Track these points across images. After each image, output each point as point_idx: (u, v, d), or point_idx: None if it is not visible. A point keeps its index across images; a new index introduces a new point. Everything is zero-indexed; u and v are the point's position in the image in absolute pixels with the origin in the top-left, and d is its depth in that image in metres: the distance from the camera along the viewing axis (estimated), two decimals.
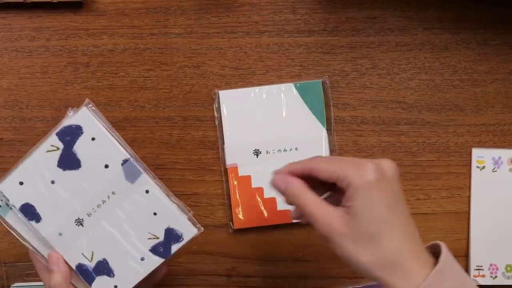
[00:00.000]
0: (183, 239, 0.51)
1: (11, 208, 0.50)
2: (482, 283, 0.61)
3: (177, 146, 0.62)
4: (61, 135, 0.50)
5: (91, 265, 0.51)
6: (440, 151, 0.62)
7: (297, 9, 0.62)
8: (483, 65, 0.62)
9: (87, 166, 0.50)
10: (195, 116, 0.61)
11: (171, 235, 0.51)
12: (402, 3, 0.62)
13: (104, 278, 0.51)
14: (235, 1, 0.62)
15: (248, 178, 0.61)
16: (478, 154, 0.62)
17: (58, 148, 0.50)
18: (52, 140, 0.50)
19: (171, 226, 0.51)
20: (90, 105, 0.50)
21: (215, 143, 0.62)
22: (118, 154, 0.50)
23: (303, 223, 0.49)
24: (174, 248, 0.51)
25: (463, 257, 0.62)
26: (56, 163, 0.50)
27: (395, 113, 0.62)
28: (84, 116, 0.50)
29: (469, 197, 0.62)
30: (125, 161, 0.50)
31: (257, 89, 0.61)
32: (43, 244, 0.51)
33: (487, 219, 0.61)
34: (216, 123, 0.61)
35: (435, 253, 0.46)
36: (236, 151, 0.61)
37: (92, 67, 0.62)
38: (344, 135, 0.62)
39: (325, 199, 0.48)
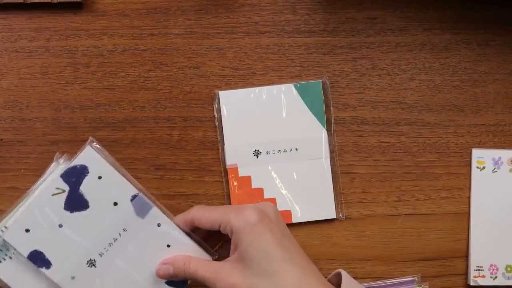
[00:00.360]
0: None
1: (3, 259, 0.49)
2: (482, 284, 0.61)
3: (177, 147, 0.62)
4: (66, 177, 0.49)
5: None
6: (440, 152, 0.62)
7: (297, 10, 0.62)
8: (483, 65, 0.62)
9: (96, 206, 0.49)
10: (195, 117, 0.61)
11: None
12: (402, 3, 0.62)
13: None
14: (235, 2, 0.62)
15: (248, 179, 0.61)
16: (478, 155, 0.62)
17: (64, 191, 0.49)
18: (57, 183, 0.49)
19: None
20: (94, 143, 0.50)
21: (215, 144, 0.62)
22: (127, 190, 0.50)
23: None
24: None
25: (463, 257, 0.62)
26: (63, 205, 0.49)
27: (395, 114, 0.62)
28: (90, 155, 0.49)
29: (469, 197, 0.62)
30: (134, 197, 0.50)
31: (257, 89, 0.61)
32: None
33: (487, 220, 0.61)
34: (216, 123, 0.61)
35: (339, 282, 0.45)
36: (236, 151, 0.61)
37: (92, 68, 0.62)
38: (344, 136, 0.62)
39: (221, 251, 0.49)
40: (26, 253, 0.48)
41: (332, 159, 0.61)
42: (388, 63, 0.62)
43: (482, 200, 0.61)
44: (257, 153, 0.61)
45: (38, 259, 0.49)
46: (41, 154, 0.62)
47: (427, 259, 0.62)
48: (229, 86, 0.62)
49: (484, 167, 0.62)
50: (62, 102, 0.62)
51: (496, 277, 0.61)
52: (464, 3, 0.62)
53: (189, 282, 0.51)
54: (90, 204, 0.49)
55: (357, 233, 0.61)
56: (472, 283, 0.61)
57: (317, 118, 0.61)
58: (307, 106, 0.61)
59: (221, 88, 0.61)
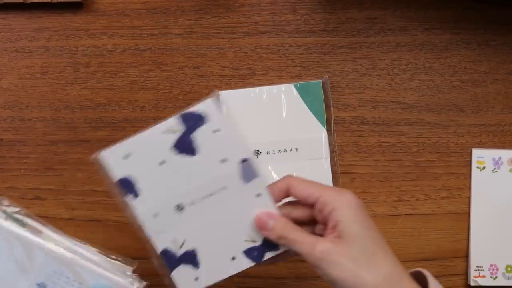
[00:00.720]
0: (278, 249, 0.49)
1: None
2: (482, 284, 0.60)
3: None
4: (183, 119, 0.48)
5: (178, 252, 0.49)
6: (440, 152, 0.62)
7: (297, 10, 0.62)
8: (483, 65, 0.62)
9: (203, 156, 0.48)
10: None
11: (269, 243, 0.49)
12: (402, 3, 0.62)
13: (188, 267, 0.49)
14: (235, 2, 0.62)
15: None
16: (478, 155, 0.62)
17: (176, 131, 0.48)
18: (172, 122, 0.48)
19: None
20: (219, 98, 0.49)
21: None
22: (239, 151, 0.48)
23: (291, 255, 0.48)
24: (268, 255, 0.49)
25: (463, 257, 0.62)
26: (171, 144, 0.47)
27: (395, 114, 0.62)
28: (211, 107, 0.48)
29: (469, 197, 0.62)
30: (244, 160, 0.48)
31: (257, 89, 0.61)
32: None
33: (487, 220, 0.61)
34: None
35: (417, 279, 0.45)
36: None
37: (92, 68, 0.62)
38: (344, 136, 0.62)
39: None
40: (118, 177, 0.47)
41: (332, 159, 0.61)
42: (388, 63, 0.62)
43: (482, 200, 0.61)
44: (257, 153, 0.61)
45: (128, 186, 0.47)
46: (41, 154, 0.62)
47: (427, 259, 0.62)
48: (229, 86, 0.62)
49: (484, 167, 0.62)
50: (62, 102, 0.62)
51: (496, 277, 0.61)
52: (464, 3, 0.62)
53: (264, 259, 0.50)
54: (198, 153, 0.48)
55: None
56: (472, 283, 0.61)
57: (317, 118, 0.61)
58: (307, 106, 0.61)
59: (221, 88, 0.61)
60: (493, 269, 0.61)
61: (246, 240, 0.49)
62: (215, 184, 0.49)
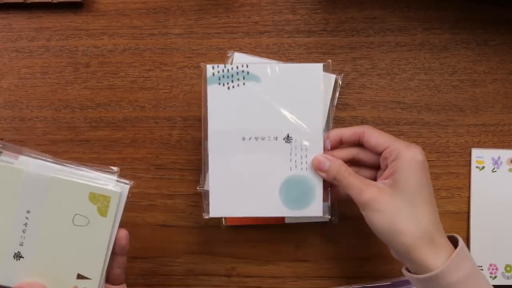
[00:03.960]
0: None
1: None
2: None
3: (177, 147, 0.62)
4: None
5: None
6: (439, 151, 0.62)
7: (297, 10, 0.62)
8: (482, 65, 0.62)
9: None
10: (195, 117, 0.62)
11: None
12: (402, 3, 0.62)
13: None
14: (235, 2, 0.62)
15: None
16: (478, 154, 0.62)
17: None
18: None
19: None
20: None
21: None
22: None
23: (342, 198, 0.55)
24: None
25: None
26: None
27: (394, 113, 0.62)
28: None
29: (468, 197, 0.62)
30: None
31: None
32: None
33: (487, 219, 0.61)
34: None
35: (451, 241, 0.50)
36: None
37: (92, 68, 0.62)
38: None
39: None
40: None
41: None
42: (388, 63, 0.62)
43: (482, 199, 0.62)
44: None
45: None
46: None
47: None
48: None
49: (483, 167, 0.62)
50: (62, 102, 0.62)
51: (495, 277, 0.61)
52: (463, 3, 0.62)
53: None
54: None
55: (357, 232, 0.61)
56: None
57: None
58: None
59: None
60: (493, 269, 0.61)
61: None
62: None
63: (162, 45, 0.62)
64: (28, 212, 0.49)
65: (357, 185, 0.50)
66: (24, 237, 0.49)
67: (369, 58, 0.62)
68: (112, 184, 0.50)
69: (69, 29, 0.62)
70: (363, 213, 0.50)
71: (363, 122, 0.62)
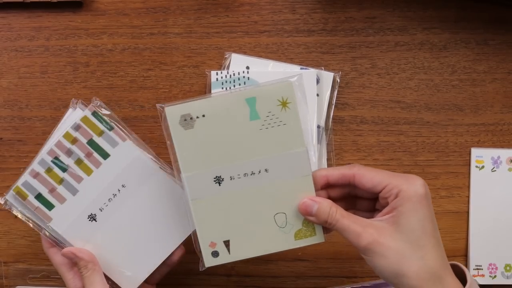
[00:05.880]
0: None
1: None
2: (481, 283, 0.61)
3: None
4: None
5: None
6: (439, 151, 0.62)
7: (296, 9, 0.62)
8: (482, 65, 0.62)
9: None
10: None
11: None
12: (402, 3, 0.62)
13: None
14: (235, 1, 0.62)
15: None
16: (477, 154, 0.62)
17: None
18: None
19: None
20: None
21: None
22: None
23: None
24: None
25: (462, 256, 0.62)
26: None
27: (394, 113, 0.62)
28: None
29: (468, 196, 0.62)
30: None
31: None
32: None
33: (486, 219, 0.61)
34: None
35: (455, 272, 0.46)
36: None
37: (91, 67, 0.62)
38: (344, 135, 0.62)
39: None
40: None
41: (330, 159, 0.61)
42: (387, 62, 0.62)
43: (481, 199, 0.61)
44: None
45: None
46: None
47: None
48: None
49: (483, 167, 0.62)
50: (62, 101, 0.62)
51: (495, 276, 0.61)
52: (463, 2, 0.62)
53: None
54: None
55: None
56: None
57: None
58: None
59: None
60: (492, 268, 0.61)
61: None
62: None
63: (161, 45, 0.62)
64: (123, 186, 0.52)
65: (353, 229, 0.45)
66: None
67: (369, 57, 0.62)
68: None
69: (69, 28, 0.62)
70: (364, 256, 0.45)
71: (362, 121, 0.62)
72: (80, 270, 0.51)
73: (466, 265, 0.61)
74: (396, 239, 0.44)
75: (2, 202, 0.52)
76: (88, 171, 0.51)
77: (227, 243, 0.50)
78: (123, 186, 0.52)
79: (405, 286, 0.44)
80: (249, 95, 0.47)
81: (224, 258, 0.50)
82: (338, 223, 0.46)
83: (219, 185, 0.48)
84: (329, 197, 0.49)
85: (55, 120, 0.62)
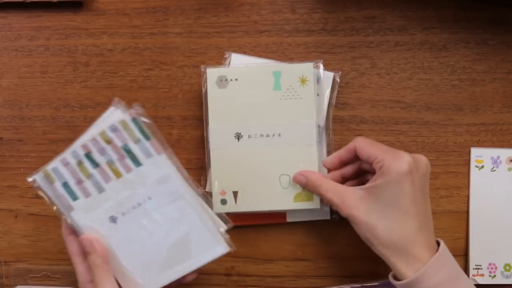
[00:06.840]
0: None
1: None
2: (481, 282, 0.61)
3: (177, 146, 0.62)
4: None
5: None
6: (439, 151, 0.62)
7: (296, 9, 0.62)
8: (482, 64, 0.62)
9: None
10: (195, 116, 0.62)
11: None
12: (401, 2, 0.62)
13: None
14: (235, 1, 0.62)
15: None
16: (477, 154, 0.62)
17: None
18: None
19: None
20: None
21: None
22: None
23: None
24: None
25: (462, 256, 0.62)
26: None
27: (394, 113, 0.62)
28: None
29: (468, 196, 0.62)
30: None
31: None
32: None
33: (486, 219, 0.61)
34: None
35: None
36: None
37: (91, 67, 0.62)
38: (343, 135, 0.62)
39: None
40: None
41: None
42: (387, 62, 0.62)
43: (481, 199, 0.62)
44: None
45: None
46: (41, 153, 0.62)
47: None
48: None
49: (483, 166, 0.62)
50: (62, 101, 0.62)
51: (495, 276, 0.61)
52: (463, 2, 0.62)
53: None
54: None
55: (356, 232, 0.61)
56: None
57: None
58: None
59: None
60: (492, 268, 0.61)
61: None
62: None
63: (161, 44, 0.62)
64: (149, 198, 0.52)
65: (334, 201, 0.53)
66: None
67: (369, 57, 0.62)
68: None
69: (69, 28, 0.62)
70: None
71: (362, 121, 0.62)
72: (88, 262, 0.50)
73: (466, 264, 0.61)
74: (369, 210, 0.50)
75: (31, 180, 0.51)
76: (118, 174, 0.51)
77: (235, 194, 0.57)
78: (149, 198, 0.51)
79: (376, 252, 0.51)
80: (276, 68, 0.57)
81: (231, 207, 0.57)
82: (323, 197, 0.54)
83: (238, 140, 0.57)
84: (343, 177, 0.57)
85: (55, 120, 0.62)
